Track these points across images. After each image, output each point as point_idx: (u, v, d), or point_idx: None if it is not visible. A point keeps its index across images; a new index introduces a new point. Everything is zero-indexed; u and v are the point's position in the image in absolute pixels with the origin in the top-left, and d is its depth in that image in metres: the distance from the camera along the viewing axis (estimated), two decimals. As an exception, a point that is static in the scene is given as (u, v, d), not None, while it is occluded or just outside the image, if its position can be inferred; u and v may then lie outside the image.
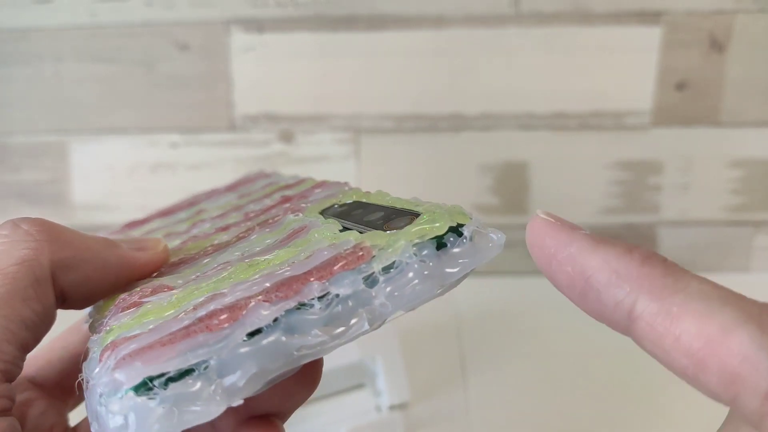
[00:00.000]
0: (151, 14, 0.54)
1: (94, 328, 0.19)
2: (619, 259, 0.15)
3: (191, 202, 0.31)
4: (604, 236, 0.17)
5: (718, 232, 0.58)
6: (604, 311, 0.15)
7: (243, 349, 0.15)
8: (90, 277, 0.19)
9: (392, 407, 0.38)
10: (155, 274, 0.21)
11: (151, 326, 0.16)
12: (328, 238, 0.18)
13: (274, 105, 0.56)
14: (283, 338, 0.15)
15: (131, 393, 0.14)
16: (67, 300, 0.19)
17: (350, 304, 0.16)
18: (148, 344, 0.15)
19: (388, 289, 0.16)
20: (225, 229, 0.24)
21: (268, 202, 0.25)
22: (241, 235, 0.22)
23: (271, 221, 0.22)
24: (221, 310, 0.15)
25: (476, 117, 0.55)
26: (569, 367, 0.45)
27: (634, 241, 0.62)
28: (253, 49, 0.54)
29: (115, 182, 0.58)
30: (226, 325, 0.15)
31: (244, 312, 0.15)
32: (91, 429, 0.16)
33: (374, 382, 0.39)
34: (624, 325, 0.15)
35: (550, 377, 0.44)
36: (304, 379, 0.18)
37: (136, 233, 0.27)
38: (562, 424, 0.40)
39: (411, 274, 0.17)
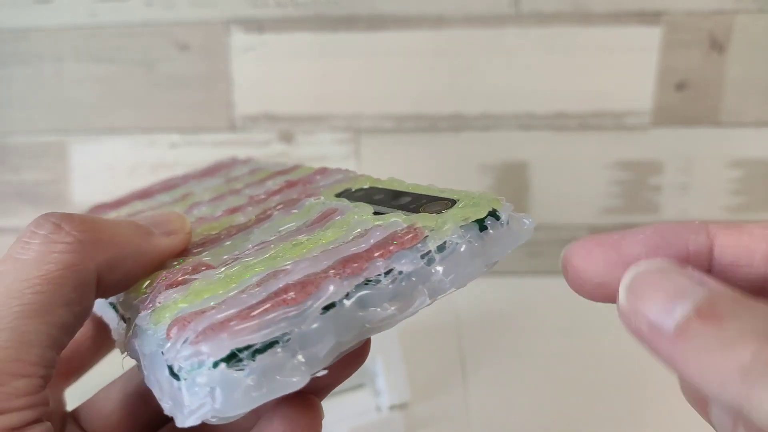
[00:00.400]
0: (151, 14, 0.54)
1: (129, 305, 0.19)
2: (718, 368, 0.14)
3: (168, 186, 0.31)
4: (709, 320, 0.14)
5: (718, 232, 0.58)
6: (716, 402, 0.14)
7: (320, 322, 0.16)
8: (130, 271, 0.19)
9: (392, 407, 0.38)
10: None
11: (213, 302, 0.16)
12: (370, 219, 0.19)
13: (274, 105, 0.56)
14: (356, 312, 0.16)
15: (222, 365, 0.15)
16: (103, 293, 0.19)
17: (413, 280, 0.17)
18: (227, 317, 0.15)
19: (443, 267, 0.18)
20: (234, 211, 0.24)
21: (271, 186, 0.26)
22: (260, 217, 0.22)
23: (288, 204, 0.23)
24: (294, 285, 0.16)
25: (476, 117, 0.55)
26: (569, 367, 0.45)
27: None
28: (253, 49, 0.54)
29: (115, 182, 0.58)
30: (302, 299, 0.16)
31: (317, 287, 0.16)
32: (163, 404, 0.16)
33: (374, 382, 0.39)
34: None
35: (550, 377, 0.44)
36: (352, 357, 0.18)
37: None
38: (562, 424, 0.40)
39: (462, 253, 0.18)
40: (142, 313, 0.18)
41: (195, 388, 0.15)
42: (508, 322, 0.51)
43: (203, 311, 0.16)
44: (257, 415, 0.20)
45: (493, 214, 0.19)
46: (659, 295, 0.15)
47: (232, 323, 0.15)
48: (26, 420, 0.16)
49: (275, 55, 0.55)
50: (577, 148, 0.56)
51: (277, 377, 0.15)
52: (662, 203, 0.57)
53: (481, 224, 0.18)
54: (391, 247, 0.17)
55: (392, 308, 0.17)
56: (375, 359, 0.38)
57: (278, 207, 0.23)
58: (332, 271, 0.16)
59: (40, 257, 0.17)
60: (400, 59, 0.54)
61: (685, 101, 0.55)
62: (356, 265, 0.17)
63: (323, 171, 0.26)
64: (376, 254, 0.17)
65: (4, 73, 0.56)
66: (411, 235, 0.18)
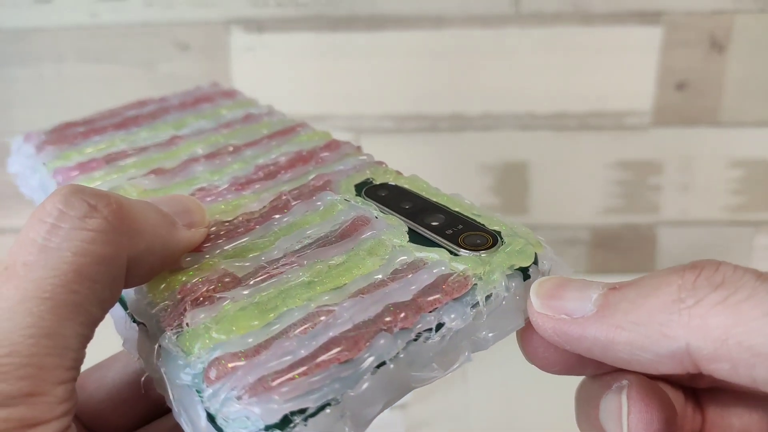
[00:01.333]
0: (151, 14, 0.54)
1: (142, 311, 0.18)
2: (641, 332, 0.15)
3: (147, 115, 0.29)
4: (617, 293, 0.15)
5: (719, 232, 0.58)
6: (660, 362, 0.15)
7: (371, 382, 0.15)
8: (153, 265, 0.18)
9: (392, 407, 0.38)
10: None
11: (251, 339, 0.15)
12: (411, 249, 0.18)
13: (274, 105, 0.56)
14: (404, 371, 0.15)
15: (276, 431, 0.14)
16: (124, 286, 0.17)
17: (459, 335, 0.16)
18: (276, 373, 0.14)
19: (489, 321, 0.17)
20: (242, 186, 0.22)
21: (277, 157, 0.24)
22: (276, 205, 0.21)
23: (306, 194, 0.21)
24: (346, 340, 0.15)
25: (477, 117, 0.55)
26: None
27: (634, 241, 0.62)
28: (253, 49, 0.54)
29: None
30: (355, 356, 0.15)
31: (369, 342, 0.15)
32: (186, 430, 0.16)
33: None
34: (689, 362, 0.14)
35: (549, 377, 0.44)
36: None
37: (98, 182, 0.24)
38: (561, 424, 0.41)
39: (505, 307, 0.17)
40: (168, 333, 0.16)
41: None
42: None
43: (246, 355, 0.15)
44: None
45: (536, 260, 0.18)
46: (570, 289, 0.16)
47: (285, 383, 0.14)
48: (63, 427, 0.15)
49: (275, 55, 0.55)
50: (578, 148, 0.56)
51: None
52: (662, 203, 0.57)
53: (525, 272, 0.17)
54: (439, 296, 0.16)
55: (437, 367, 0.16)
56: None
57: (293, 193, 0.22)
58: (383, 323, 0.16)
59: (71, 246, 0.15)
60: (400, 59, 0.54)
61: (685, 101, 0.55)
62: (405, 316, 0.16)
63: (331, 145, 0.25)
64: (426, 305, 0.16)
65: (5, 73, 0.56)
66: (459, 283, 0.17)
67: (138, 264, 0.17)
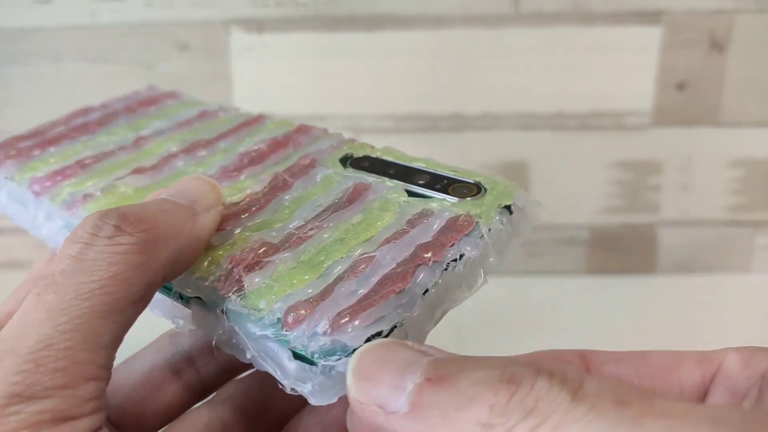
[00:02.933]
0: (150, 14, 0.54)
1: (191, 284, 0.20)
2: None
3: (98, 122, 0.29)
4: (432, 390, 0.14)
5: (719, 232, 0.58)
6: None
7: (422, 307, 0.18)
8: (188, 260, 0.19)
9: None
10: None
11: (311, 290, 0.18)
12: (418, 203, 0.22)
13: (274, 105, 0.56)
14: (443, 294, 0.19)
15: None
16: (161, 284, 0.18)
17: (475, 262, 0.20)
18: (351, 311, 0.17)
19: (494, 249, 0.20)
20: (232, 173, 0.24)
21: (260, 147, 0.26)
22: (276, 185, 0.23)
23: (299, 172, 0.24)
24: (396, 275, 0.18)
25: (476, 117, 0.55)
26: (569, 367, 0.45)
27: (634, 241, 0.62)
28: (253, 49, 0.54)
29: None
30: (406, 287, 0.18)
31: (413, 275, 0.18)
32: (286, 383, 0.17)
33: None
34: None
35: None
36: None
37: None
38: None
39: (502, 236, 0.21)
40: (232, 298, 0.18)
41: (332, 373, 0.17)
42: (508, 322, 0.51)
43: (315, 299, 0.18)
44: None
45: (514, 200, 0.22)
46: (388, 371, 0.14)
47: (359, 314, 0.17)
48: (94, 426, 0.15)
49: (275, 55, 0.55)
50: (578, 147, 0.56)
51: None
52: (662, 203, 0.57)
53: (509, 209, 0.21)
54: (454, 233, 0.20)
55: (465, 288, 0.19)
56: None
57: (287, 173, 0.24)
58: (420, 258, 0.19)
59: (105, 258, 0.16)
60: (400, 59, 0.54)
61: (686, 101, 0.55)
62: (434, 252, 0.19)
63: (302, 129, 0.28)
64: (447, 241, 0.19)
65: (4, 72, 0.56)
66: (467, 222, 0.20)
67: (175, 263, 0.18)
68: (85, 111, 0.30)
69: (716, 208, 0.57)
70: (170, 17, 0.54)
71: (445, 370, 0.14)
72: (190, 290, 0.20)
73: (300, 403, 0.22)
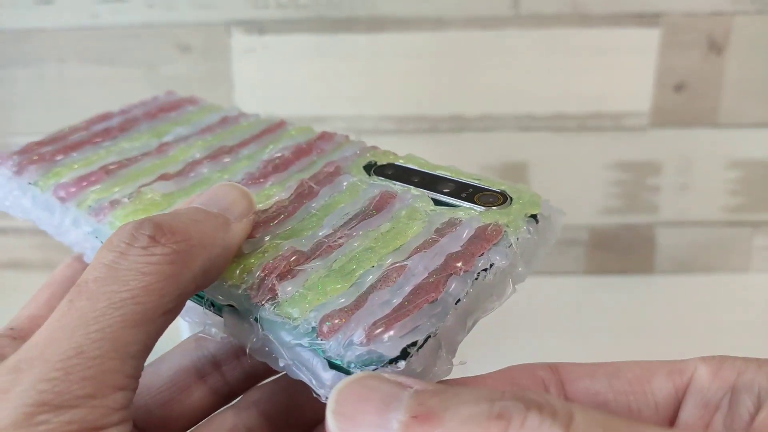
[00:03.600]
0: (152, 16, 0.54)
1: (224, 292, 0.20)
2: None
3: (120, 127, 0.29)
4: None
5: (717, 232, 0.58)
6: None
7: (455, 316, 0.18)
8: (220, 269, 0.19)
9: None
10: None
11: (343, 299, 0.18)
12: (446, 212, 0.22)
13: (274, 106, 0.56)
14: (474, 304, 0.19)
15: (401, 362, 0.16)
16: (193, 294, 0.19)
17: (505, 272, 0.20)
18: (385, 321, 0.17)
19: (522, 258, 0.20)
20: (257, 180, 0.24)
21: (284, 153, 0.26)
22: (302, 192, 0.23)
23: (324, 180, 0.24)
24: (429, 285, 0.18)
25: (476, 118, 0.55)
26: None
27: (633, 242, 0.62)
28: (253, 50, 0.55)
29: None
30: (440, 296, 0.18)
31: (446, 285, 0.18)
32: (319, 390, 0.18)
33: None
34: None
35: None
36: None
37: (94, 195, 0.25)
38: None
39: (529, 244, 0.21)
40: (266, 306, 0.19)
41: None
42: (508, 322, 0.52)
43: (349, 310, 0.18)
44: None
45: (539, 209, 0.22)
46: (370, 409, 0.14)
47: (394, 324, 0.17)
48: None
49: (276, 57, 0.55)
50: (577, 148, 0.56)
51: (435, 368, 0.17)
52: (661, 204, 0.57)
53: (535, 218, 0.21)
54: (484, 244, 0.20)
55: (496, 298, 0.19)
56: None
57: (313, 180, 0.24)
58: (451, 268, 0.19)
59: (139, 268, 0.16)
60: (400, 61, 0.55)
61: (684, 102, 0.55)
62: (465, 261, 0.19)
63: (324, 137, 0.27)
64: (476, 251, 0.19)
65: (6, 74, 0.56)
66: (495, 231, 0.20)
67: (205, 273, 0.18)
68: (105, 116, 0.30)
69: (715, 208, 0.57)
70: (172, 19, 0.54)
71: (430, 406, 0.14)
72: (222, 298, 0.20)
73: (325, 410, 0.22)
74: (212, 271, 0.18)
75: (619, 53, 0.54)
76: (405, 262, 0.19)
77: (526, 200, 0.22)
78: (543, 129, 0.56)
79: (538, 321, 0.51)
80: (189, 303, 0.21)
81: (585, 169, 0.57)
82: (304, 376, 0.18)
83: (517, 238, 0.20)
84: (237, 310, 0.20)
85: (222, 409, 0.23)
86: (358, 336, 0.17)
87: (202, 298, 0.21)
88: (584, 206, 0.57)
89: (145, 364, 0.22)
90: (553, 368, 0.19)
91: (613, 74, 0.54)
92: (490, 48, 0.54)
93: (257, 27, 0.54)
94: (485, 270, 0.19)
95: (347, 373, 0.17)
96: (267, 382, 0.23)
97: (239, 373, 0.23)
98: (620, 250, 0.58)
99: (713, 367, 0.18)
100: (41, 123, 0.57)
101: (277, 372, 0.21)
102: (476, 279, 0.19)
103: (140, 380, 0.21)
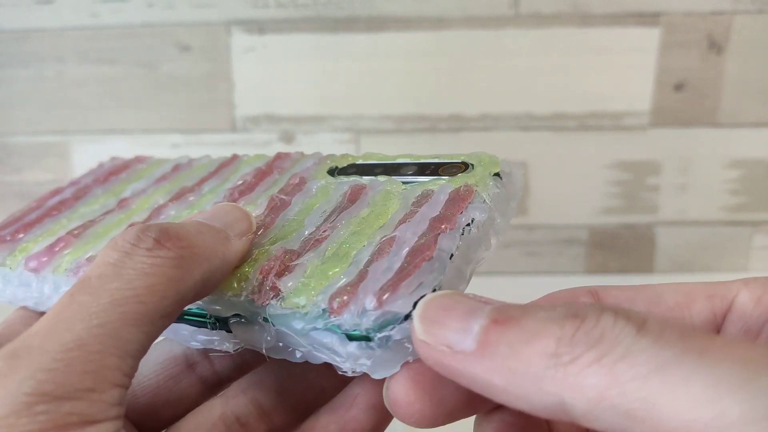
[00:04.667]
0: (152, 15, 0.54)
1: (226, 304, 0.20)
2: (515, 376, 0.14)
3: (75, 195, 0.29)
4: (500, 329, 0.14)
5: (717, 232, 0.58)
6: (542, 414, 0.14)
7: (451, 269, 0.19)
8: (217, 282, 0.19)
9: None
10: None
11: (345, 278, 0.19)
12: (416, 186, 0.23)
13: (274, 106, 0.56)
14: (466, 256, 0.20)
15: (412, 314, 0.17)
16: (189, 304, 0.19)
17: (486, 225, 0.21)
18: (391, 284, 0.18)
19: (497, 210, 0.22)
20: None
21: (246, 178, 0.26)
22: (273, 206, 0.24)
23: (292, 190, 0.24)
24: (422, 246, 0.19)
25: (476, 118, 0.56)
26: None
27: (632, 241, 0.62)
28: (253, 50, 0.55)
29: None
30: (434, 254, 0.18)
31: (438, 242, 0.19)
32: (345, 367, 0.18)
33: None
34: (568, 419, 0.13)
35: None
36: None
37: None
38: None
39: (501, 198, 0.22)
40: (272, 302, 0.19)
41: (389, 344, 0.17)
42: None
43: (353, 284, 0.18)
44: (344, 380, 0.21)
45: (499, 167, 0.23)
46: (454, 316, 0.15)
47: (401, 282, 0.17)
48: (115, 430, 0.15)
49: (276, 56, 0.55)
50: (576, 148, 0.56)
51: None
52: (661, 203, 0.57)
53: (498, 175, 0.23)
54: (461, 203, 0.21)
55: (484, 250, 0.20)
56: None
57: (282, 193, 0.24)
58: (437, 229, 0.20)
59: (143, 268, 0.17)
60: (400, 60, 0.55)
61: (684, 102, 0.55)
62: (448, 221, 0.20)
63: (281, 156, 0.28)
64: (455, 211, 0.20)
65: (6, 73, 0.56)
66: (467, 192, 0.21)
67: (206, 282, 0.18)
68: (56, 191, 0.30)
69: (714, 208, 0.57)
70: (171, 18, 0.54)
71: (510, 314, 0.14)
72: (226, 310, 0.20)
73: (316, 395, 0.22)
74: (210, 283, 0.19)
75: (619, 53, 0.54)
76: (393, 234, 0.20)
77: (486, 162, 0.23)
78: (543, 129, 0.56)
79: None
80: (194, 328, 0.21)
81: (584, 168, 0.57)
82: (326, 357, 0.19)
83: (489, 194, 0.22)
84: (243, 318, 0.20)
85: (211, 399, 0.23)
86: (370, 302, 0.17)
87: (205, 317, 0.21)
88: (584, 206, 0.57)
89: None
90: (593, 292, 0.20)
91: (613, 74, 0.54)
92: (490, 47, 0.54)
93: (257, 27, 0.54)
94: (468, 225, 0.20)
95: (368, 340, 0.17)
96: (255, 371, 0.23)
97: (228, 362, 0.23)
98: (620, 249, 0.59)
99: (756, 292, 0.18)
100: (41, 123, 0.57)
101: (265, 361, 0.22)
102: (462, 234, 0.20)
103: None
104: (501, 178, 0.23)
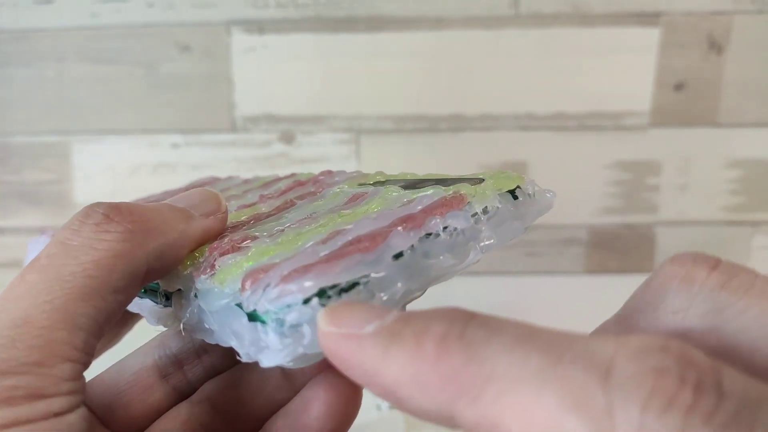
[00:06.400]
0: (152, 15, 0.54)
1: (175, 279, 0.20)
2: (412, 362, 0.12)
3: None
4: (404, 320, 0.13)
5: (717, 232, 0.58)
6: (433, 421, 0.13)
7: (392, 269, 0.17)
8: (175, 257, 0.19)
9: (392, 406, 0.39)
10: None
11: (278, 260, 0.17)
12: (408, 193, 0.21)
13: (274, 106, 0.56)
14: (422, 261, 0.18)
15: (314, 299, 0.15)
16: (146, 281, 0.19)
17: (466, 236, 0.19)
18: (305, 265, 0.16)
19: (490, 226, 0.19)
20: (251, 206, 0.24)
21: (281, 187, 0.26)
22: (282, 207, 0.23)
23: (309, 195, 0.24)
24: (365, 237, 0.17)
25: (476, 118, 0.55)
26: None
27: (632, 241, 0.62)
28: (253, 50, 0.55)
29: (116, 183, 0.58)
30: (375, 247, 0.17)
31: (386, 238, 0.17)
32: (242, 352, 0.17)
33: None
34: (457, 429, 0.12)
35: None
36: None
37: None
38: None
39: (502, 216, 0.20)
40: (201, 278, 0.18)
41: (283, 328, 0.16)
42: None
43: (278, 264, 0.17)
44: (295, 387, 0.21)
45: (520, 187, 0.21)
46: (357, 311, 0.14)
47: (315, 265, 0.16)
48: (70, 405, 0.15)
49: (276, 56, 0.55)
50: (576, 148, 0.56)
51: None
52: (661, 203, 0.57)
53: (513, 194, 0.20)
54: (443, 209, 0.19)
55: (452, 259, 0.18)
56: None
57: (299, 198, 0.24)
58: (397, 224, 0.18)
59: (91, 243, 0.17)
60: (400, 60, 0.55)
61: (684, 102, 0.55)
62: (416, 221, 0.18)
63: (329, 173, 0.27)
64: (432, 213, 0.18)
65: (6, 73, 0.56)
66: (457, 200, 0.19)
67: (159, 257, 0.18)
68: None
69: (714, 208, 0.57)
70: (171, 18, 0.54)
71: (409, 318, 0.13)
72: (171, 285, 0.20)
73: (276, 404, 0.21)
74: (167, 257, 0.18)
75: (619, 53, 0.54)
76: (348, 226, 0.18)
77: (502, 177, 0.21)
78: (543, 128, 0.56)
79: (538, 320, 0.51)
80: (153, 305, 0.21)
81: (585, 168, 0.57)
82: (231, 341, 0.18)
83: (485, 207, 0.19)
84: (182, 292, 0.20)
85: (178, 405, 0.23)
86: (274, 282, 0.16)
87: (156, 291, 0.21)
88: (584, 206, 0.57)
89: (110, 365, 0.22)
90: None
91: (613, 74, 0.54)
92: (490, 48, 0.54)
93: (257, 26, 0.54)
94: (440, 230, 0.18)
95: (263, 322, 0.16)
96: (218, 377, 0.23)
97: (200, 372, 0.23)
98: (620, 249, 0.58)
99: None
100: (41, 123, 0.57)
101: (233, 366, 0.21)
102: (428, 237, 0.18)
103: (105, 380, 0.21)
104: (516, 197, 0.20)
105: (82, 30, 0.55)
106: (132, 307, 0.22)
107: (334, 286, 0.16)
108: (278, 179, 0.29)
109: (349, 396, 0.20)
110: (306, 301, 0.15)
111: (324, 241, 0.18)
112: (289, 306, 0.15)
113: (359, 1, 0.53)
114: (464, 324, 0.12)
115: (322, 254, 0.17)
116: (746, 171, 0.56)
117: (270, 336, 0.16)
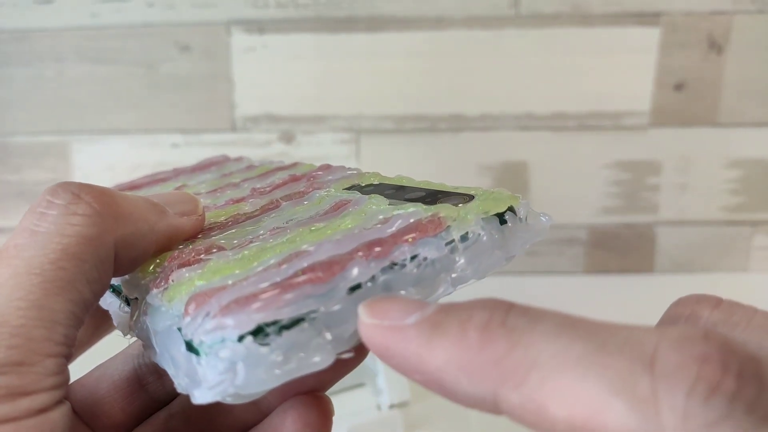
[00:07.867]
0: (152, 15, 0.54)
1: (135, 285, 0.19)
2: (457, 349, 0.13)
3: (157, 179, 0.30)
4: (445, 311, 0.13)
5: (717, 231, 0.58)
6: (476, 407, 0.13)
7: (346, 303, 0.15)
8: (144, 249, 0.18)
9: (392, 406, 0.39)
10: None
11: (231, 281, 0.16)
12: (389, 208, 0.19)
13: (274, 106, 0.56)
14: (381, 294, 0.16)
15: (248, 338, 0.14)
16: (115, 272, 0.18)
17: (436, 267, 0.17)
18: (251, 293, 0.15)
19: (466, 256, 0.17)
20: (237, 201, 0.23)
21: (275, 180, 0.25)
22: (267, 207, 0.22)
23: (296, 196, 0.22)
24: (320, 264, 0.16)
25: (476, 117, 0.55)
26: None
27: (632, 241, 0.62)
28: (253, 50, 0.55)
29: (116, 182, 0.58)
30: (329, 278, 0.15)
31: (344, 267, 0.16)
32: (177, 381, 0.16)
33: (374, 381, 0.39)
34: (499, 413, 0.13)
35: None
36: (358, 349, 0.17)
37: None
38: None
39: (483, 244, 0.18)
40: (153, 291, 0.17)
41: (216, 363, 0.14)
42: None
43: (224, 287, 0.15)
44: (262, 411, 0.20)
45: (512, 209, 0.19)
46: (397, 303, 0.14)
47: (258, 297, 0.15)
48: (53, 401, 0.15)
49: (276, 56, 0.55)
50: (576, 148, 0.56)
51: (302, 355, 0.15)
52: (661, 203, 0.57)
53: (501, 218, 0.18)
54: (415, 234, 0.17)
55: (416, 294, 0.17)
56: (375, 358, 0.38)
57: (285, 198, 0.23)
58: (359, 253, 0.16)
59: (58, 229, 0.16)
60: (400, 60, 0.55)
61: (684, 101, 0.55)
62: (381, 248, 0.16)
63: (327, 167, 0.26)
64: (400, 240, 0.17)
65: (6, 73, 0.56)
66: (434, 224, 0.17)
67: (127, 246, 0.17)
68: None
69: (714, 208, 0.57)
70: (171, 18, 0.54)
71: (447, 308, 0.14)
72: (131, 291, 0.19)
73: (244, 425, 0.21)
74: (135, 248, 0.18)
75: (619, 53, 0.54)
76: (309, 248, 0.17)
77: (491, 198, 0.19)
78: (543, 128, 0.56)
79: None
80: (116, 305, 0.20)
81: (584, 168, 0.57)
82: (167, 364, 0.16)
83: (466, 233, 0.17)
84: (138, 302, 0.19)
85: (156, 413, 0.22)
86: (213, 311, 0.15)
87: (120, 293, 0.20)
88: (584, 205, 0.57)
89: (89, 370, 0.21)
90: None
91: (613, 74, 0.54)
92: (490, 48, 0.54)
93: (257, 26, 0.54)
94: (407, 259, 0.16)
95: (197, 354, 0.15)
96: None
97: None
98: (620, 249, 0.59)
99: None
100: (41, 123, 0.57)
101: None
102: (392, 267, 0.16)
103: (84, 385, 0.21)
104: (504, 221, 0.18)
105: (81, 30, 0.55)
106: (103, 303, 0.21)
107: (274, 323, 0.14)
108: (279, 168, 0.28)
109: (316, 424, 0.19)
110: (240, 339, 0.14)
111: (280, 264, 0.16)
112: (223, 341, 0.14)
113: (359, 1, 0.53)
114: (505, 312, 0.13)
115: (271, 282, 0.15)
116: (746, 171, 0.56)
117: (203, 370, 0.15)
